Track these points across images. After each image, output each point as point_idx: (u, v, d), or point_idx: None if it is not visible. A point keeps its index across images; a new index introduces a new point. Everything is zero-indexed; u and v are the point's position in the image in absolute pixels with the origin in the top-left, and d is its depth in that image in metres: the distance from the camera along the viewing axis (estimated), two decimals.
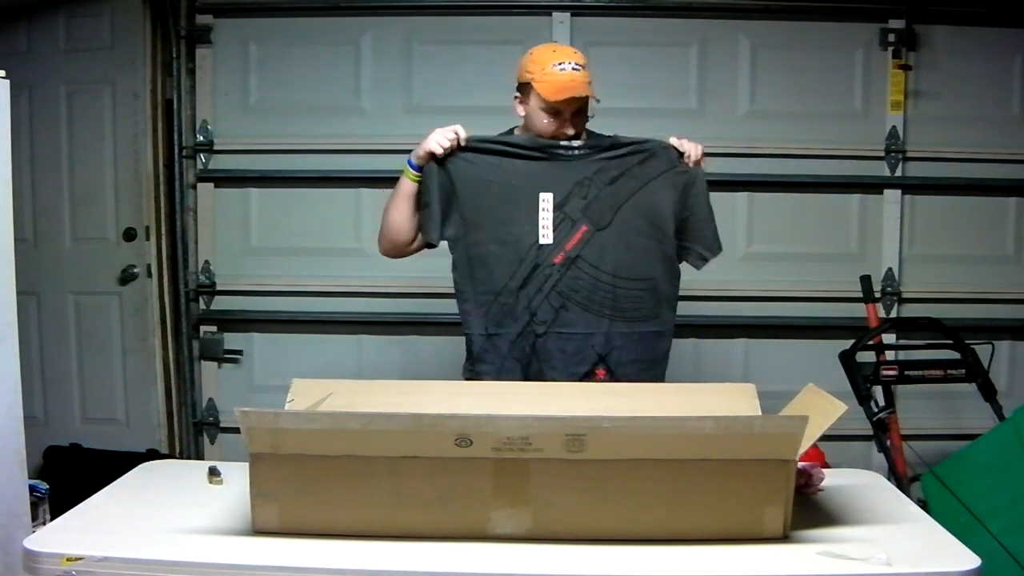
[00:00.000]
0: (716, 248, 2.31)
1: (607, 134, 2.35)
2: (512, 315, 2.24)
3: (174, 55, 3.49)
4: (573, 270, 2.22)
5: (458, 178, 2.25)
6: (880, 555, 1.45)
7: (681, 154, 2.27)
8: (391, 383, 2.00)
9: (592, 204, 2.22)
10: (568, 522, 1.51)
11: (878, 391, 2.99)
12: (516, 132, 2.35)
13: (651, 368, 2.27)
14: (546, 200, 2.23)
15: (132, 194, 3.54)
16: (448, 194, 2.25)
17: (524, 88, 2.25)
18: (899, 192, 3.50)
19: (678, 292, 2.30)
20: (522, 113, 2.29)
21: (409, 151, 3.47)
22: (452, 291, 3.38)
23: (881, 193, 3.51)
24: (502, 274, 2.23)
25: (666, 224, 2.26)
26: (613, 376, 2.23)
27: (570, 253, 2.22)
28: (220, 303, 3.62)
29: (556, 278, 2.22)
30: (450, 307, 3.48)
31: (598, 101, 2.25)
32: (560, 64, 2.19)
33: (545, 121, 2.22)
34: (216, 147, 3.56)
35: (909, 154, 3.49)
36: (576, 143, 2.25)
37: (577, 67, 2.19)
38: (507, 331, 2.24)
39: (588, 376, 2.23)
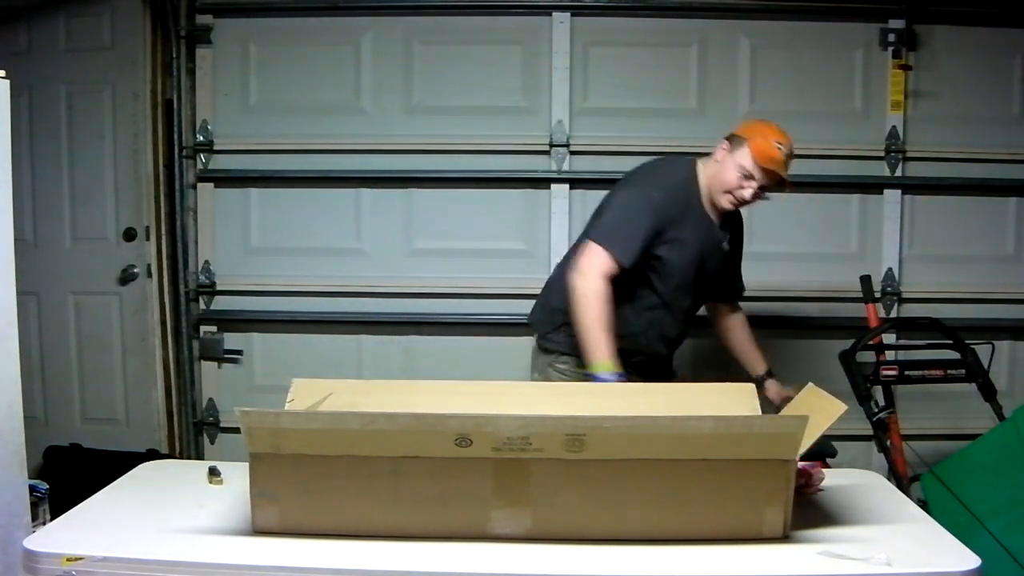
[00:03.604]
0: None
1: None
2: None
3: (174, 55, 3.48)
4: (683, 310, 2.63)
5: None
6: (880, 555, 1.45)
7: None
8: (391, 383, 2.00)
9: (726, 259, 2.63)
10: (568, 522, 1.51)
11: (878, 391, 2.99)
12: (698, 169, 2.52)
13: None
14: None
15: (132, 194, 3.54)
16: None
17: (737, 140, 2.47)
18: (899, 192, 3.50)
19: None
20: (719, 159, 2.48)
21: (408, 151, 3.52)
22: (451, 292, 3.44)
23: (881, 193, 3.51)
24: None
25: None
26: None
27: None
28: (220, 303, 3.62)
29: (675, 316, 2.60)
30: (450, 307, 3.51)
31: (767, 199, 2.54)
32: (780, 143, 2.44)
33: (736, 177, 2.44)
34: (216, 147, 3.56)
35: (909, 154, 3.49)
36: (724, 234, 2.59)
37: (790, 156, 2.46)
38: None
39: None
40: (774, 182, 2.46)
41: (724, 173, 2.46)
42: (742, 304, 2.87)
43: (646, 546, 1.49)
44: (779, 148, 2.42)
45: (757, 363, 2.76)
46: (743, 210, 2.61)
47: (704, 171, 2.51)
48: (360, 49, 3.53)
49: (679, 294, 2.54)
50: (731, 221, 2.60)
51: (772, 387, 2.70)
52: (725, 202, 2.48)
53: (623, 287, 2.43)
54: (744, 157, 2.43)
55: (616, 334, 2.37)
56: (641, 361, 2.54)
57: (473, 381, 1.97)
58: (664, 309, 2.54)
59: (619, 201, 2.49)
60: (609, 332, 2.34)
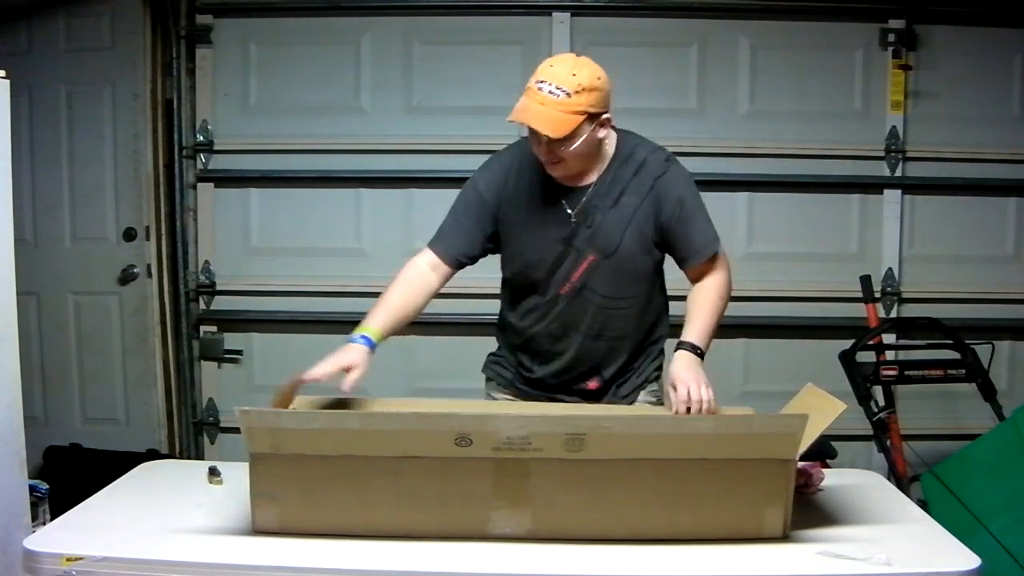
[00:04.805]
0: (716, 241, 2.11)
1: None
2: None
3: (174, 55, 3.49)
4: (578, 299, 2.07)
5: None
6: (880, 555, 1.45)
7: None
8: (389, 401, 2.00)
9: (597, 232, 2.04)
10: (568, 522, 1.51)
11: (878, 391, 2.99)
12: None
13: (643, 373, 2.17)
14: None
15: (132, 194, 3.54)
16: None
17: None
18: (899, 192, 3.50)
19: (667, 299, 2.20)
20: None
21: (408, 151, 3.52)
22: (450, 292, 3.40)
23: (881, 193, 3.51)
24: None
25: (653, 235, 2.09)
26: (607, 386, 2.13)
27: (576, 284, 2.06)
28: (220, 303, 3.62)
29: (561, 307, 2.08)
30: (450, 307, 3.50)
31: (552, 137, 1.89)
32: (541, 82, 1.89)
33: (525, 135, 2.00)
34: (216, 147, 3.56)
35: (909, 154, 3.49)
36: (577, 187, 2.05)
37: (556, 92, 1.87)
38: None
39: (580, 390, 2.14)
40: (538, 133, 1.91)
41: None
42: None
43: (646, 546, 1.49)
44: (538, 88, 1.89)
45: (687, 331, 2.00)
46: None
47: None
48: (360, 49, 3.53)
49: (552, 283, 2.07)
50: (617, 183, 2.05)
51: (677, 362, 1.92)
52: (552, 171, 2.01)
53: (511, 297, 2.19)
54: None
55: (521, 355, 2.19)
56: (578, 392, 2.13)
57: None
58: (548, 304, 2.09)
59: None
60: (384, 304, 2.21)
